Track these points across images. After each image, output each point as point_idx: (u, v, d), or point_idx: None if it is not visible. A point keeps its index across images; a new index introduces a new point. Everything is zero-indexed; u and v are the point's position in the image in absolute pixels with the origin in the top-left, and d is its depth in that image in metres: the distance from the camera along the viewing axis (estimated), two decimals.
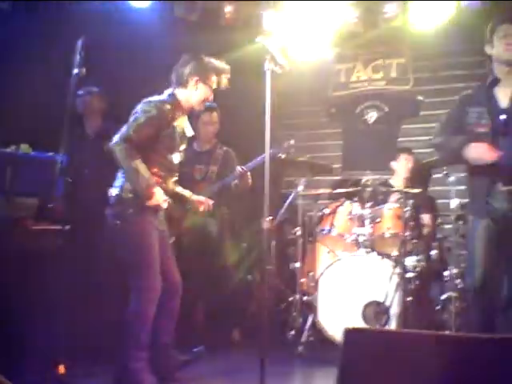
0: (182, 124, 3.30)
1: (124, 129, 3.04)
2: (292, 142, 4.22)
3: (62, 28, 3.91)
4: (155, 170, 3.14)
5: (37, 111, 3.86)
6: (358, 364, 1.92)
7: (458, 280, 4.08)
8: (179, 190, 3.49)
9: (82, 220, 3.78)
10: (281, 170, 5.45)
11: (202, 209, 3.57)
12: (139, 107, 3.13)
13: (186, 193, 3.54)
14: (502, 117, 2.99)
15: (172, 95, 3.23)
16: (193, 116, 4.43)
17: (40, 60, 3.95)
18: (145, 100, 3.16)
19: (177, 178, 3.39)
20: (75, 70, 2.96)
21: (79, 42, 2.97)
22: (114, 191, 3.13)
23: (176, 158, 3.26)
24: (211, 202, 3.62)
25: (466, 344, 1.94)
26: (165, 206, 3.14)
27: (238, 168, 4.26)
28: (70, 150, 3.71)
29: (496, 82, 3.08)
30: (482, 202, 3.05)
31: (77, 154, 3.85)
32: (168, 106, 3.15)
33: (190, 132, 3.43)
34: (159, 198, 3.06)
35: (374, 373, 1.91)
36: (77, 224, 3.50)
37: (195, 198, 3.56)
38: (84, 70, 2.96)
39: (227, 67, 3.33)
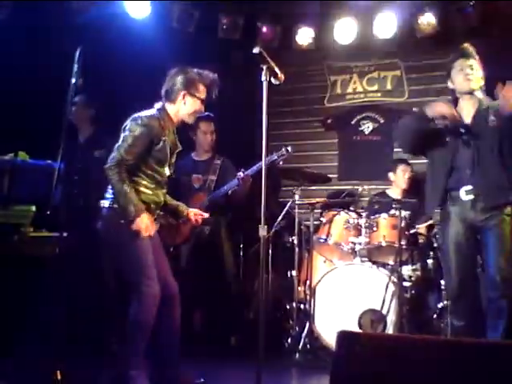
0: (173, 137, 3.32)
1: (115, 151, 3.10)
2: (289, 148, 4.25)
3: (60, 37, 3.95)
4: (145, 182, 3.17)
5: (34, 119, 3.89)
6: (351, 366, 1.94)
7: None
8: (174, 203, 3.52)
9: (73, 226, 3.82)
10: (278, 178, 5.49)
11: (196, 221, 3.54)
12: (128, 125, 3.17)
13: (182, 207, 3.54)
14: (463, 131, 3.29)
15: (161, 109, 3.25)
16: (191, 126, 4.50)
17: (38, 68, 3.98)
18: (133, 116, 3.19)
19: (165, 191, 3.38)
20: (73, 80, 2.99)
21: (77, 52, 3.01)
22: (105, 203, 3.17)
23: (167, 170, 3.28)
24: (205, 214, 3.60)
25: (460, 348, 1.96)
26: (147, 233, 3.10)
27: (240, 172, 4.28)
28: (65, 158, 3.79)
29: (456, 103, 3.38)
30: (440, 198, 3.30)
31: (70, 161, 3.89)
32: (156, 122, 3.17)
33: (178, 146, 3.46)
34: (143, 224, 3.06)
35: (366, 375, 1.93)
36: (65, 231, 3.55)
37: (190, 210, 3.55)
38: (81, 79, 2.99)
39: (215, 76, 3.31)
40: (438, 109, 3.27)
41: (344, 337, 1.97)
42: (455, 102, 3.40)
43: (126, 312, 3.09)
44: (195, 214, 3.51)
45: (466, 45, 3.40)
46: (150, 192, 3.19)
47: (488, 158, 3.22)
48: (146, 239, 3.12)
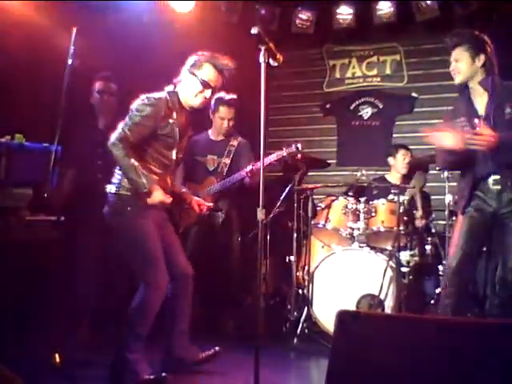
0: (183, 121, 3.25)
1: (120, 128, 3.04)
2: (299, 145, 4.19)
3: (57, 18, 3.89)
4: (152, 167, 3.13)
5: (32, 101, 3.85)
6: (351, 346, 1.94)
7: None
8: (178, 189, 3.49)
9: (90, 210, 3.80)
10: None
11: (200, 211, 3.51)
12: (136, 104, 3.11)
13: (186, 194, 3.52)
14: (477, 123, 3.20)
15: (172, 92, 3.21)
16: (209, 109, 4.47)
17: (35, 50, 3.93)
18: (142, 96, 3.13)
19: (173, 176, 3.34)
20: (69, 61, 2.96)
21: (73, 33, 2.98)
22: (111, 188, 3.11)
23: (174, 154, 3.22)
24: (208, 204, 3.58)
25: (457, 328, 1.96)
26: (168, 201, 3.09)
27: (247, 168, 4.23)
28: (82, 143, 3.77)
29: (468, 93, 3.30)
30: (465, 200, 3.26)
31: (89, 146, 3.90)
32: (164, 103, 3.12)
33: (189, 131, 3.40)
34: (160, 196, 3.03)
35: (365, 355, 1.93)
36: (82, 214, 3.57)
37: (194, 199, 3.51)
38: (78, 60, 2.96)
39: (228, 62, 3.21)
40: (443, 144, 3.18)
41: (343, 316, 1.96)
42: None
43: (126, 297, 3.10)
44: (197, 202, 3.48)
45: (447, 38, 3.33)
46: (156, 178, 3.13)
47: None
48: (151, 226, 3.09)
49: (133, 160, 2.99)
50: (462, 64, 3.24)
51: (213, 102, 4.35)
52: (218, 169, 4.44)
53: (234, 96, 4.40)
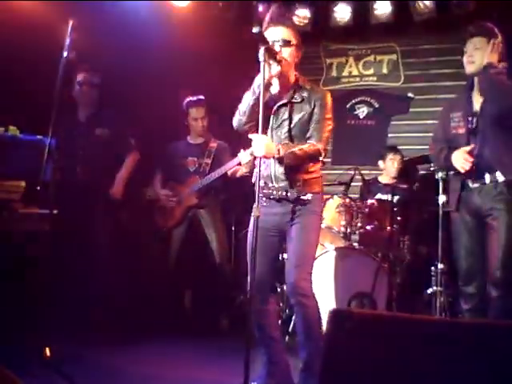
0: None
1: None
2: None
3: (52, 9, 3.87)
4: None
5: (26, 94, 3.83)
6: (343, 345, 1.93)
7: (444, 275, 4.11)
8: None
9: (72, 203, 3.79)
10: None
11: None
12: None
13: None
14: (471, 119, 3.24)
15: None
16: (182, 112, 4.51)
17: (30, 42, 3.91)
18: None
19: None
20: (65, 53, 2.94)
21: (69, 25, 2.96)
22: None
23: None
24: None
25: (453, 328, 1.96)
26: None
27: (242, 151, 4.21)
28: (62, 134, 3.78)
29: (471, 86, 3.31)
30: (455, 198, 3.31)
31: (69, 138, 3.88)
32: None
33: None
34: None
35: (358, 354, 1.92)
36: (65, 207, 3.52)
37: None
38: (74, 52, 2.94)
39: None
40: (460, 166, 3.23)
41: (336, 315, 1.96)
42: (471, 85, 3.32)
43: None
44: None
45: (473, 24, 3.28)
46: None
47: (492, 145, 3.17)
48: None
49: None
50: (480, 53, 3.18)
51: (184, 107, 4.47)
52: (199, 169, 4.50)
53: (201, 96, 4.50)
